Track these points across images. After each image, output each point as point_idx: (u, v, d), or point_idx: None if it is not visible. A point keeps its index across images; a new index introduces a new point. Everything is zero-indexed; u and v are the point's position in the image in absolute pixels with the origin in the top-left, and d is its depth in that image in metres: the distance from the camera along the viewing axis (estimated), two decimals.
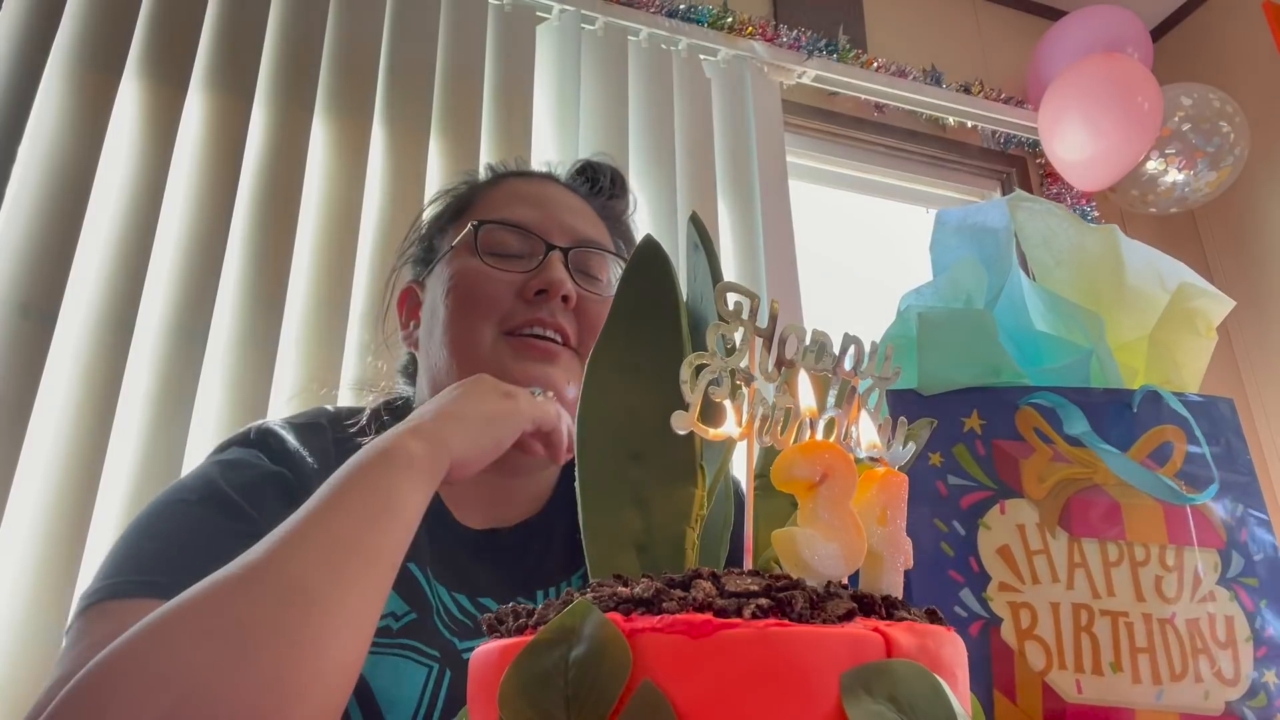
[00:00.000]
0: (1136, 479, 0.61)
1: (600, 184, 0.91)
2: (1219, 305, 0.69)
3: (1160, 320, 0.69)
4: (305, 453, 0.69)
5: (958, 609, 0.58)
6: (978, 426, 0.64)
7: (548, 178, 0.88)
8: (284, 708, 0.43)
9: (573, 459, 0.77)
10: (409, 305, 0.86)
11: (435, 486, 0.58)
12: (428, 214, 0.89)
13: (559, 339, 0.75)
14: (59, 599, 1.21)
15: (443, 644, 0.66)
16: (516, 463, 0.74)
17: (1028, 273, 0.76)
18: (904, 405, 0.65)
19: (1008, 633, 0.58)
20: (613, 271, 0.82)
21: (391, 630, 0.66)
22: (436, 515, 0.74)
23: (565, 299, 0.75)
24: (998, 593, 0.59)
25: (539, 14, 1.90)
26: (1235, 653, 0.60)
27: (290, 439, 0.69)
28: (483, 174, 0.91)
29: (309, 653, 0.45)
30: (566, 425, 0.69)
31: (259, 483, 0.64)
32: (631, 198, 0.95)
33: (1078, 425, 0.63)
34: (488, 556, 0.74)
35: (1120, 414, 0.65)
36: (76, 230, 1.39)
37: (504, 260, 0.77)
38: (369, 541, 0.51)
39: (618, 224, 0.89)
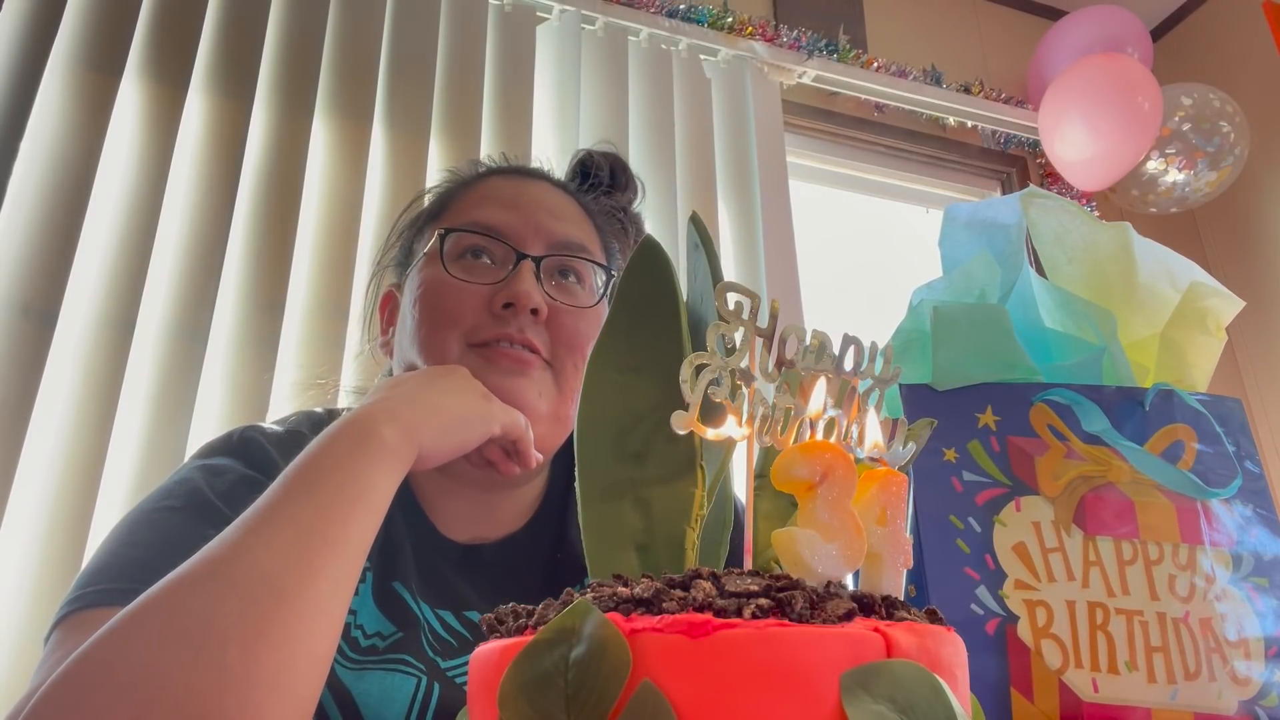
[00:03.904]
0: (1161, 475, 0.62)
1: (596, 178, 0.86)
2: (1229, 305, 0.69)
3: (1171, 319, 0.69)
4: (285, 463, 0.68)
5: (974, 606, 0.58)
6: (992, 423, 0.64)
7: (531, 175, 0.82)
8: (255, 701, 0.42)
9: (570, 463, 0.77)
10: (390, 310, 0.82)
11: (404, 474, 0.57)
12: (408, 215, 0.85)
13: (531, 355, 0.71)
14: (59, 599, 1.21)
15: (429, 661, 0.66)
16: (499, 481, 0.73)
17: (1038, 268, 0.75)
18: (918, 400, 0.65)
19: (1024, 631, 0.58)
20: (597, 277, 0.77)
21: (379, 648, 0.65)
22: (420, 529, 0.73)
23: (535, 312, 0.71)
24: (1014, 590, 0.59)
25: (539, 14, 1.91)
26: (1247, 652, 0.60)
27: (271, 447, 0.68)
28: (468, 170, 0.86)
29: (278, 646, 0.44)
30: (531, 437, 0.68)
31: (243, 490, 0.62)
32: (638, 186, 0.90)
33: (1097, 423, 0.63)
34: (471, 572, 0.73)
35: (1132, 411, 0.65)
36: (77, 230, 1.39)
37: (472, 269, 0.73)
38: (340, 531, 0.50)
39: (612, 221, 0.84)
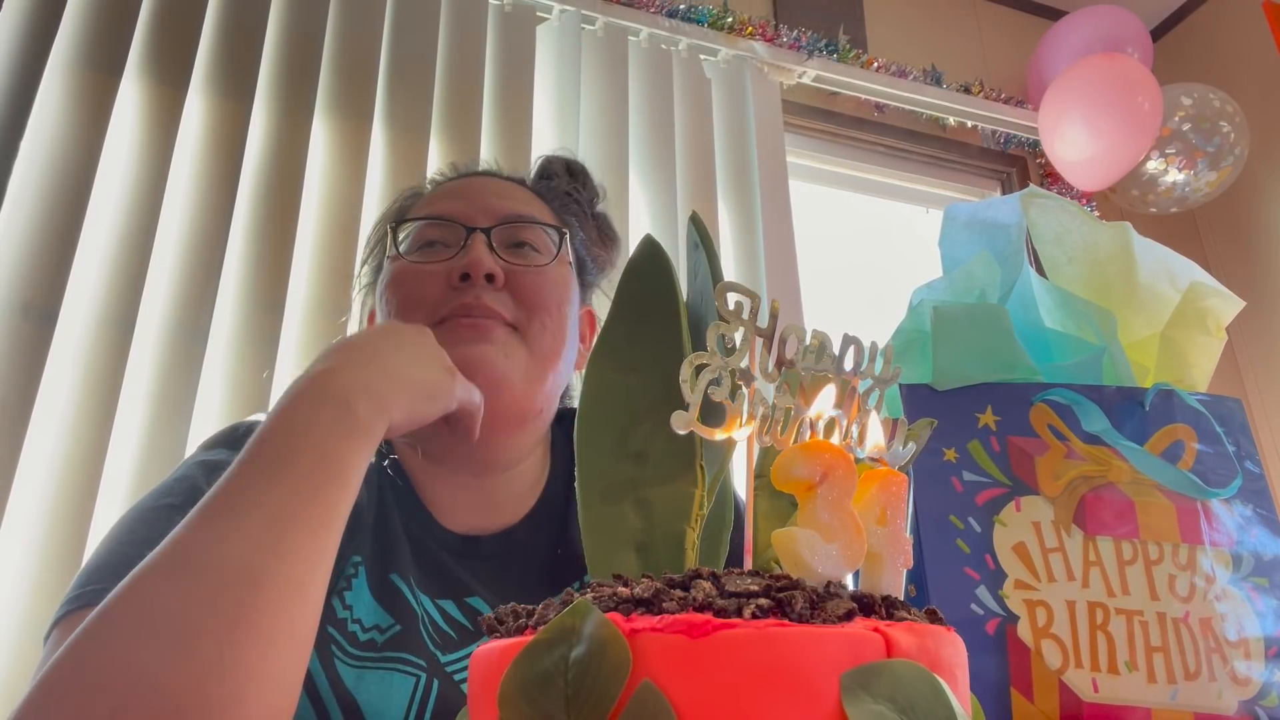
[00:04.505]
0: (1161, 475, 0.62)
1: (550, 174, 0.89)
2: (1229, 305, 0.69)
3: (1171, 319, 0.69)
4: None
5: (974, 606, 0.58)
6: (992, 423, 0.64)
7: (482, 173, 0.86)
8: (235, 691, 0.42)
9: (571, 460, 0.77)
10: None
11: (375, 448, 0.56)
12: (374, 236, 0.88)
13: (494, 319, 0.72)
14: (59, 599, 1.21)
15: (428, 656, 0.66)
16: (487, 461, 0.74)
17: (1038, 268, 0.76)
18: (918, 400, 0.65)
19: (1024, 631, 0.58)
20: (550, 237, 0.78)
21: (377, 644, 0.65)
22: (417, 518, 0.73)
23: (491, 279, 0.72)
24: (1014, 590, 0.59)
25: (539, 14, 1.90)
26: (1247, 652, 0.60)
27: None
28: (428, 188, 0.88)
29: (254, 632, 0.43)
30: (479, 417, 0.67)
31: None
32: (597, 188, 0.92)
33: (1097, 423, 0.63)
34: (469, 563, 0.73)
35: (1132, 412, 0.65)
36: (76, 230, 1.39)
37: (427, 254, 0.75)
38: (312, 513, 0.49)
39: (568, 202, 0.86)
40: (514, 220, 0.77)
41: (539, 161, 0.92)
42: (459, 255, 0.74)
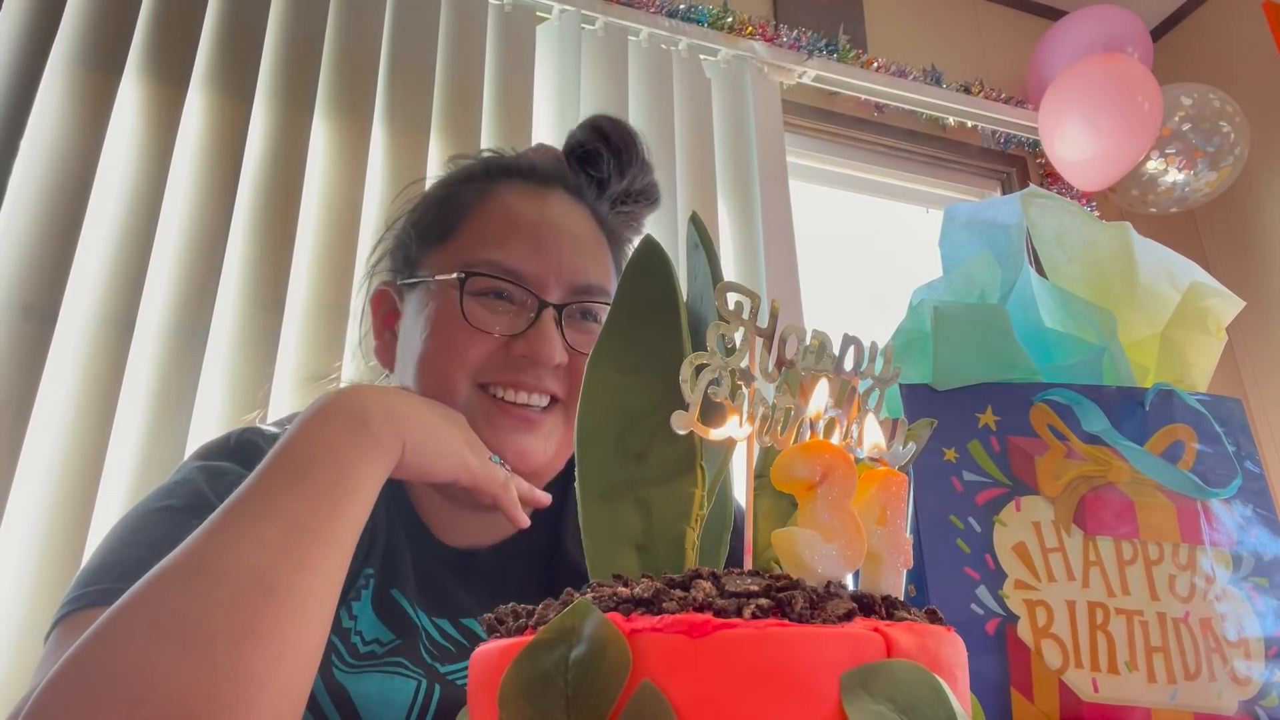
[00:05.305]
0: (1161, 475, 0.62)
1: (603, 166, 0.81)
2: (1229, 305, 0.69)
3: (1172, 319, 0.69)
4: None
5: (974, 606, 0.58)
6: (992, 422, 0.64)
7: (546, 184, 0.77)
8: (245, 697, 0.42)
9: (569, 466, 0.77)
10: (383, 310, 0.79)
11: (390, 469, 0.56)
12: (410, 217, 0.80)
13: (544, 402, 0.70)
14: (59, 599, 1.21)
15: (427, 666, 0.66)
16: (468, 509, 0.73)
17: (1038, 268, 0.76)
18: (918, 400, 0.65)
19: (1024, 631, 0.58)
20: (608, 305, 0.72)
21: (377, 654, 0.65)
22: (415, 534, 0.72)
23: (558, 367, 0.70)
24: (1014, 590, 0.59)
25: (539, 14, 1.91)
26: (1247, 652, 0.60)
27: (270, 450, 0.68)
28: (477, 169, 0.80)
29: (267, 642, 0.44)
30: (515, 492, 0.65)
31: None
32: (643, 154, 0.82)
33: (1097, 423, 0.63)
34: (466, 577, 0.73)
35: (1132, 412, 0.65)
36: (76, 230, 1.39)
37: (493, 308, 0.70)
38: (329, 527, 0.49)
39: (623, 222, 0.81)
40: (587, 298, 0.73)
41: (578, 148, 0.81)
42: (525, 333, 0.70)
